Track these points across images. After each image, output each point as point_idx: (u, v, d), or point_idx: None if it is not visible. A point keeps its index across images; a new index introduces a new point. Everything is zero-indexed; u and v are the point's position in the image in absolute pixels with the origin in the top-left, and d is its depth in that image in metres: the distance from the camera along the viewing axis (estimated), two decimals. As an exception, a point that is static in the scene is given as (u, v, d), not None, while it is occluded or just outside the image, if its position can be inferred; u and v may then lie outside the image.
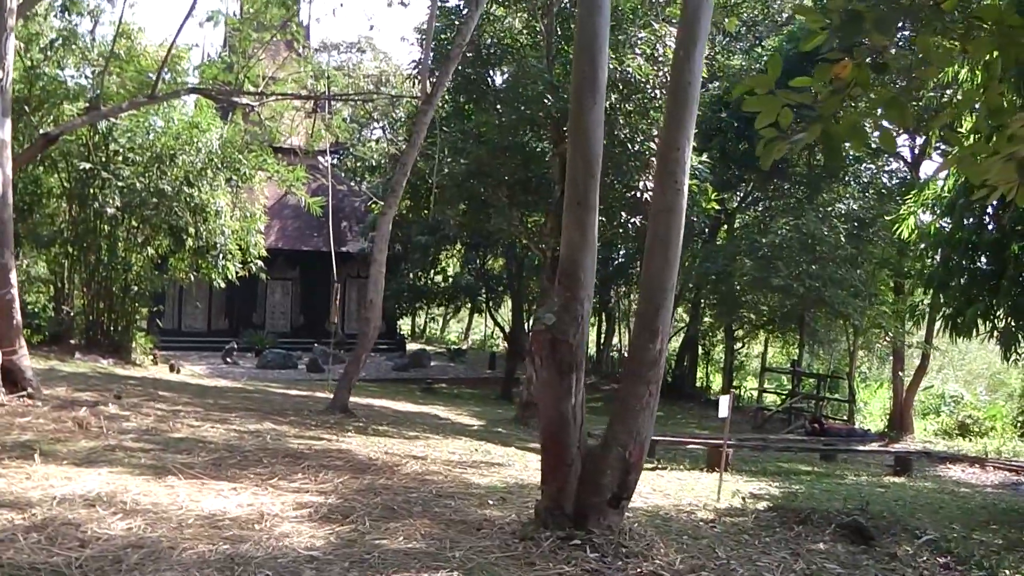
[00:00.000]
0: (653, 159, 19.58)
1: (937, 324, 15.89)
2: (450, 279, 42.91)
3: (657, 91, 19.24)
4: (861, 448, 21.42)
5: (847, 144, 4.86)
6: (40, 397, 12.23)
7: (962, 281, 12.77)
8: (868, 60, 4.55)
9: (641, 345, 7.10)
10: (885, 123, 4.70)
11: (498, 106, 22.17)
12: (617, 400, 7.29)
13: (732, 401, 11.36)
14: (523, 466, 11.48)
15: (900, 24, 4.65)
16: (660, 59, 19.32)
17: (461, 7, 23.20)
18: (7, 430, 9.72)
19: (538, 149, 21.96)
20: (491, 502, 8.33)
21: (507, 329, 39.29)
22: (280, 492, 7.90)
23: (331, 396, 17.58)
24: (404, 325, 51.43)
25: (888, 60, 4.66)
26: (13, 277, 12.95)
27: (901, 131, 25.88)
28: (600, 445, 7.14)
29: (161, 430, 10.94)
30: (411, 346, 46.43)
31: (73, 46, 24.05)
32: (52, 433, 9.82)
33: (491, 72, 23.93)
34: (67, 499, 6.94)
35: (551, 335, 6.84)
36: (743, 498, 10.32)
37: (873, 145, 23.24)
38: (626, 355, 6.88)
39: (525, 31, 23.66)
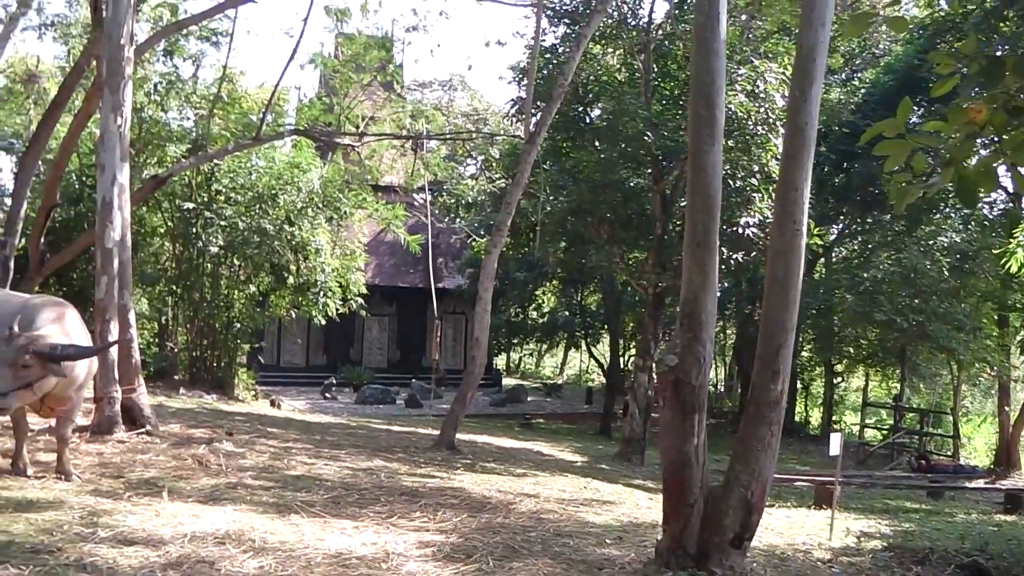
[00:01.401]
0: (754, 195, 19.55)
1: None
2: (546, 315, 43.01)
3: (759, 127, 19.18)
4: (969, 485, 21.02)
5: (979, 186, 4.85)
6: (158, 434, 12.46)
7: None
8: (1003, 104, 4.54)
9: (762, 386, 7.10)
10: (1020, 168, 4.67)
11: (596, 143, 22.24)
12: (738, 440, 7.29)
13: (843, 439, 11.26)
14: (634, 504, 11.46)
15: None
16: (761, 95, 19.27)
17: (557, 46, 23.36)
18: (131, 467, 9.93)
19: (638, 186, 21.99)
20: (608, 541, 8.34)
21: (604, 364, 39.13)
22: (401, 531, 7.99)
23: (433, 432, 17.70)
24: (499, 360, 51.48)
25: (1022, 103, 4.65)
26: (132, 317, 13.28)
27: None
28: (722, 485, 7.14)
29: (277, 467, 11.09)
30: (507, 381, 46.48)
31: (176, 90, 24.63)
32: (174, 470, 10.01)
33: (588, 109, 24.02)
34: (198, 536, 7.07)
35: (674, 376, 6.88)
36: (857, 537, 10.21)
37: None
38: (749, 395, 6.82)
39: (622, 68, 23.75)
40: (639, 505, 11.42)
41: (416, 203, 34.16)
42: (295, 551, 6.89)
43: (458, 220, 42.59)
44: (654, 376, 22.38)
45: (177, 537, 7.00)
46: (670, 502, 7.19)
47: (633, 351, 36.47)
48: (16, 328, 7.90)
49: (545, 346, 53.92)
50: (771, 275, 7.25)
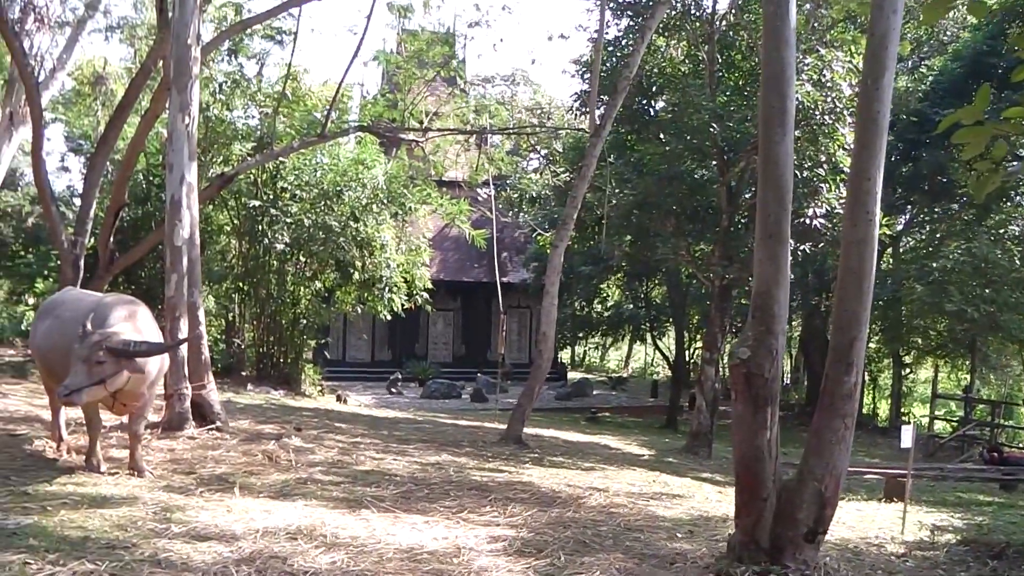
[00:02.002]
0: (822, 186, 19.33)
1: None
2: (611, 308, 42.90)
3: (826, 117, 18.95)
4: (1043, 478, 20.65)
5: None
6: (227, 430, 12.57)
7: None
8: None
9: (836, 378, 7.00)
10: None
11: (661, 136, 22.11)
12: (811, 433, 7.19)
13: (914, 431, 11.09)
14: (703, 498, 11.38)
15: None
16: (828, 85, 19.04)
17: (621, 39, 23.23)
18: (202, 463, 10.02)
19: (703, 178, 21.84)
20: (679, 535, 8.29)
21: (670, 357, 38.93)
22: (472, 525, 7.99)
23: (500, 426, 17.69)
24: (565, 354, 51.41)
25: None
26: (201, 315, 13.40)
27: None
28: (795, 479, 7.06)
29: (346, 463, 11.14)
30: (572, 375, 46.44)
31: (241, 89, 24.82)
32: (244, 466, 10.08)
33: (652, 102, 23.88)
34: (270, 532, 7.13)
35: (746, 369, 6.82)
36: (930, 531, 10.06)
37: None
38: (821, 387, 6.74)
39: (686, 60, 23.59)
40: (708, 499, 11.34)
41: (480, 198, 34.17)
42: (366, 546, 6.92)
43: (522, 215, 42.57)
44: (721, 369, 22.28)
45: (249, 532, 7.06)
46: (742, 496, 7.12)
47: (699, 344, 36.36)
48: (89, 326, 8.00)
49: (610, 340, 53.70)
50: (844, 266, 7.14)
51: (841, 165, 18.68)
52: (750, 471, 6.99)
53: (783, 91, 7.20)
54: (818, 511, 6.91)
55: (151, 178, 24.92)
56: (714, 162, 21.31)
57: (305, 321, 25.91)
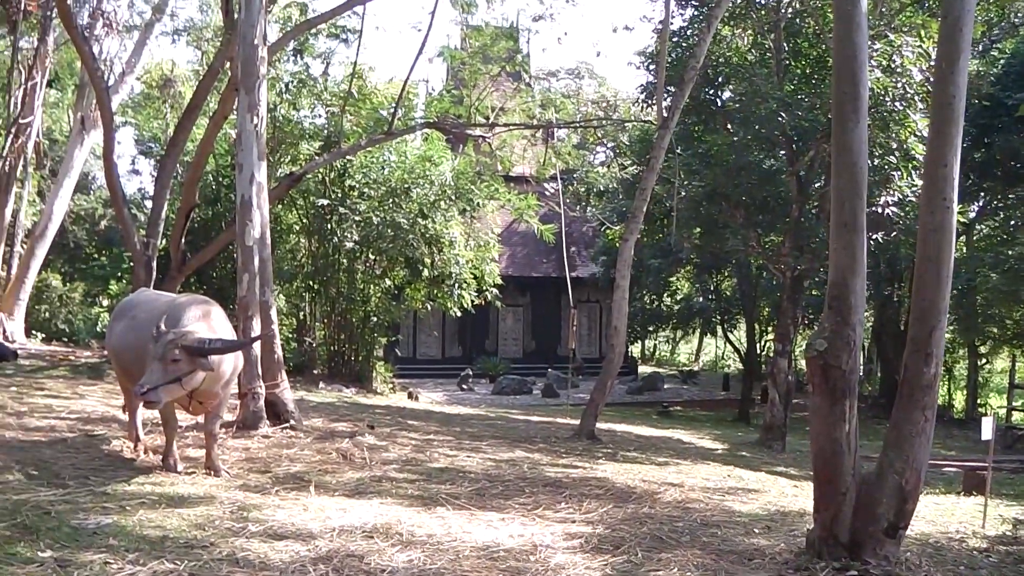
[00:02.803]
0: (893, 174, 19.06)
1: None
2: (681, 301, 42.71)
3: (896, 103, 18.68)
4: None
5: None
6: (301, 428, 12.64)
7: None
8: None
9: (915, 369, 6.87)
10: None
11: (728, 126, 21.96)
12: (891, 426, 7.07)
13: (994, 423, 10.88)
14: (779, 492, 11.25)
15: None
16: (898, 70, 18.77)
17: (686, 29, 23.09)
18: (277, 462, 10.07)
19: (772, 168, 21.64)
20: (756, 530, 8.18)
21: (741, 350, 38.68)
22: (547, 522, 7.95)
23: (572, 421, 17.65)
24: (635, 348, 51.25)
25: None
26: (274, 314, 13.48)
27: None
28: (875, 472, 6.93)
29: (420, 460, 11.14)
30: (642, 369, 46.29)
31: (307, 88, 24.99)
32: (319, 464, 10.12)
33: (719, 92, 23.72)
34: (346, 530, 7.13)
35: (823, 361, 6.71)
36: (1012, 524, 9.86)
37: None
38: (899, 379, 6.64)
39: (752, 48, 23.40)
40: (784, 493, 11.20)
41: (548, 192, 34.13)
42: (443, 544, 6.90)
43: (589, 208, 42.48)
44: (794, 361, 22.06)
45: (326, 531, 7.07)
46: (821, 490, 7.01)
47: (770, 336, 36.07)
48: (163, 325, 8.07)
49: (680, 333, 53.52)
50: (922, 254, 7.01)
51: (913, 152, 18.41)
52: (828, 465, 6.88)
53: (856, 77, 7.08)
54: (898, 505, 6.78)
55: (220, 179, 25.21)
56: (783, 152, 21.15)
57: (375, 318, 26.03)
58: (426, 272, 25.35)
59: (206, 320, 8.64)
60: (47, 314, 33.25)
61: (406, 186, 24.82)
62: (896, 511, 6.77)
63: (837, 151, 7.14)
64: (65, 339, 30.12)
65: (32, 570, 5.63)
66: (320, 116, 26.74)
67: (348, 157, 23.67)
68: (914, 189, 18.41)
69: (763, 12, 22.02)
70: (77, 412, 12.94)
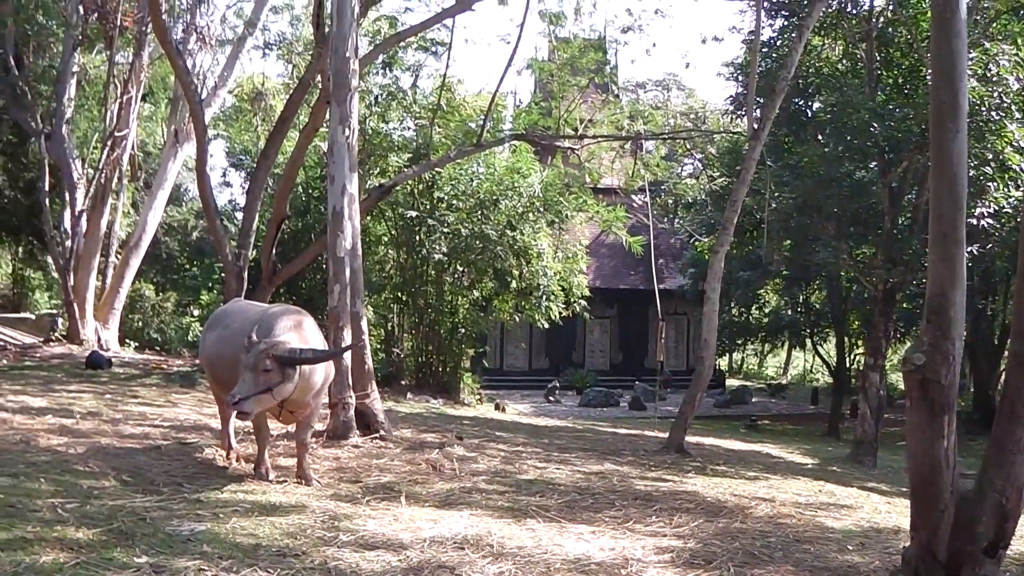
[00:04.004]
0: (989, 185, 18.74)
1: None
2: (769, 314, 42.35)
3: (992, 113, 18.36)
4: None
5: None
6: (391, 439, 12.69)
7: None
8: None
9: (1017, 385, 6.69)
10: None
11: (819, 137, 21.76)
12: (991, 443, 6.89)
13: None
14: (872, 508, 11.06)
15: None
16: (993, 79, 18.46)
17: (775, 39, 22.96)
18: (367, 472, 10.11)
19: (864, 179, 21.40)
20: (850, 547, 8.04)
21: (831, 364, 38.20)
22: (638, 536, 7.88)
23: (659, 434, 17.55)
24: (722, 361, 50.91)
25: None
26: (364, 325, 13.58)
27: None
28: (974, 490, 6.77)
29: (509, 471, 11.13)
30: (730, 382, 45.98)
31: (396, 101, 25.19)
32: (409, 475, 10.14)
33: (809, 103, 23.53)
34: (437, 541, 7.12)
35: (921, 375, 6.57)
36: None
37: None
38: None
39: (843, 58, 23.19)
40: (878, 509, 11.01)
41: (636, 204, 34.01)
42: (533, 556, 6.86)
43: (677, 220, 42.29)
44: (885, 375, 21.75)
45: (417, 542, 7.07)
46: (918, 507, 6.86)
47: (860, 350, 35.58)
48: (255, 335, 8.14)
49: (768, 346, 53.05)
50: (1022, 267, 6.86)
51: (1010, 163, 18.11)
52: (926, 482, 6.73)
53: (955, 85, 6.93)
54: (999, 524, 6.61)
55: (310, 191, 25.49)
56: (875, 163, 20.90)
57: (463, 330, 26.11)
58: (514, 284, 25.39)
59: (298, 330, 8.71)
60: (140, 323, 33.97)
61: (494, 198, 24.87)
62: (996, 530, 6.61)
63: (936, 162, 7.00)
64: (157, 348, 30.70)
65: (128, 575, 5.71)
66: (409, 128, 26.93)
67: (437, 169, 23.78)
68: (1010, 200, 18.10)
69: (854, 22, 21.83)
70: (170, 420, 13.13)
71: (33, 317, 29.16)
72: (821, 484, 13.47)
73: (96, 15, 24.57)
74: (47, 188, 24.48)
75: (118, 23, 24.37)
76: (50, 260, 28.73)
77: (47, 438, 10.36)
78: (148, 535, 6.59)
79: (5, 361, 19.76)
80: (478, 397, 26.90)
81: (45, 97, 26.55)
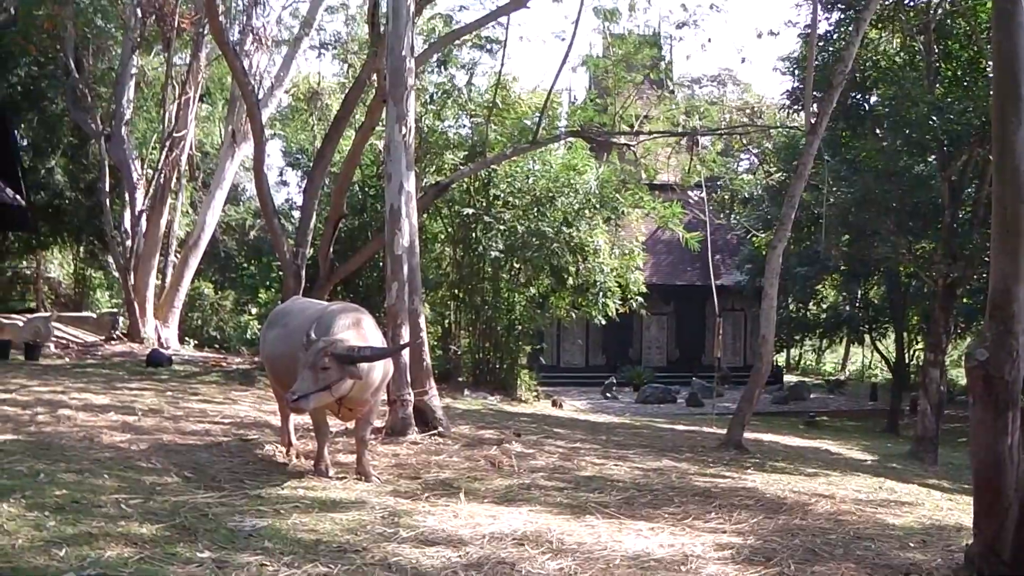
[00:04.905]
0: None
1: None
2: (827, 309, 42.01)
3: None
4: None
5: None
6: (449, 435, 12.72)
7: None
8: None
9: (1082, 379, 6.63)
10: None
11: (877, 131, 21.57)
12: (1054, 440, 6.83)
13: None
14: (933, 505, 10.93)
15: None
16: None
17: (831, 33, 22.78)
18: (426, 468, 10.15)
19: (923, 173, 21.19)
20: (912, 544, 7.96)
21: (890, 360, 37.81)
22: (697, 532, 7.85)
23: (718, 431, 17.45)
24: (780, 357, 50.57)
25: None
26: (422, 322, 13.63)
27: None
28: (1038, 488, 6.70)
29: (568, 468, 11.12)
30: (788, 378, 45.62)
31: (452, 99, 25.24)
32: (468, 471, 10.17)
33: (867, 97, 23.33)
34: (496, 537, 7.13)
35: (984, 371, 6.49)
36: None
37: None
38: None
39: (901, 52, 22.97)
40: (939, 507, 10.89)
41: (692, 200, 33.85)
42: (593, 552, 6.85)
43: (734, 216, 42.07)
44: (946, 371, 21.52)
45: (476, 538, 7.08)
46: (981, 505, 6.78)
47: (920, 345, 35.23)
48: (313, 333, 8.20)
49: (826, 342, 52.57)
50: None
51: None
52: (990, 479, 6.65)
53: (1018, 77, 6.82)
54: (1064, 522, 6.55)
55: (367, 189, 25.58)
56: (934, 157, 20.71)
57: (520, 327, 26.12)
58: (570, 280, 25.36)
59: (356, 328, 8.74)
60: (199, 321, 34.28)
61: (551, 195, 24.86)
62: (1061, 528, 6.53)
63: (999, 155, 6.91)
64: (216, 345, 30.99)
65: (192, 570, 5.77)
66: (465, 126, 27.02)
67: (493, 166, 23.81)
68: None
69: (912, 14, 21.64)
70: (230, 417, 13.26)
71: (95, 316, 29.47)
72: (881, 481, 13.34)
73: (154, 17, 24.89)
74: (107, 189, 24.83)
75: (175, 25, 24.65)
76: (111, 260, 29.05)
77: (110, 435, 10.50)
78: (210, 531, 6.67)
79: (68, 359, 20.05)
80: (535, 394, 26.88)
81: (105, 99, 26.92)
